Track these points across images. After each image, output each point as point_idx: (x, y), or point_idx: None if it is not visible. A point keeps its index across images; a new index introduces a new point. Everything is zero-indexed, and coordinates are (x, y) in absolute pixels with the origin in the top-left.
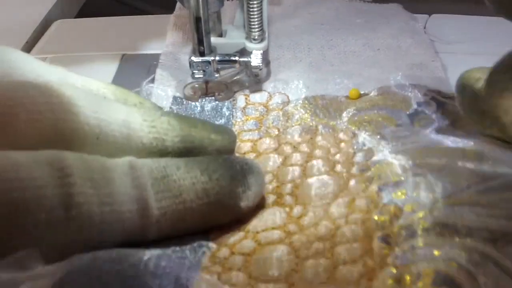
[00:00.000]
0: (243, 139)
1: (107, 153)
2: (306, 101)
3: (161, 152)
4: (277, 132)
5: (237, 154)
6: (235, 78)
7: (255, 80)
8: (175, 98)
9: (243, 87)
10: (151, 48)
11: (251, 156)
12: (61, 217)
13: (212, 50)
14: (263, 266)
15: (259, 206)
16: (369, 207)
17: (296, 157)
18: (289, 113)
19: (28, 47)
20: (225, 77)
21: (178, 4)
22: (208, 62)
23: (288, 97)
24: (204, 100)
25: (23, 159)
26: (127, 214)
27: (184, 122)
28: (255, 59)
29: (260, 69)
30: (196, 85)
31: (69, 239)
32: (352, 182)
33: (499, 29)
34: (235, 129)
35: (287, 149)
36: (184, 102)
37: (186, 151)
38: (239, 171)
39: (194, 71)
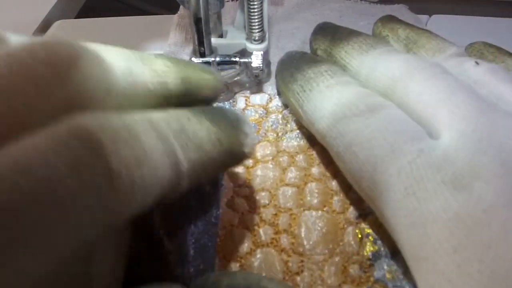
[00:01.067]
0: None
1: (116, 106)
2: None
3: (166, 96)
4: (275, 136)
5: None
6: (235, 79)
7: (256, 81)
8: None
9: (243, 88)
10: (152, 49)
11: (249, 163)
12: (105, 193)
13: (212, 51)
14: None
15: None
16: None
17: (293, 173)
18: (288, 116)
19: None
20: (226, 78)
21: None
22: (209, 63)
23: None
24: None
25: (46, 144)
26: (162, 171)
27: (177, 63)
28: (256, 60)
29: (261, 70)
30: None
31: (116, 211)
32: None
33: (499, 29)
34: (235, 90)
35: (284, 160)
36: None
37: (186, 92)
38: (236, 121)
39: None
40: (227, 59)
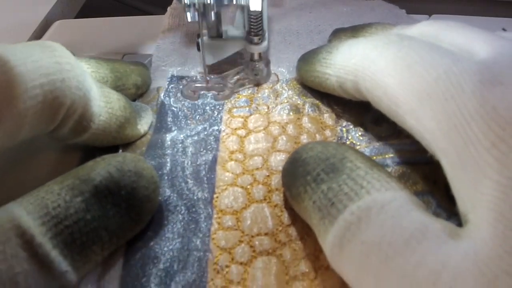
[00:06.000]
0: (234, 115)
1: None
2: (295, 81)
3: (100, 81)
4: (266, 109)
5: (229, 129)
6: (235, 77)
7: (255, 80)
8: (172, 77)
9: (243, 86)
10: (152, 49)
11: (243, 132)
12: None
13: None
14: None
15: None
16: None
17: (284, 141)
18: (278, 91)
19: None
20: (225, 77)
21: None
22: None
23: (277, 76)
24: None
25: None
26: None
27: (106, 60)
28: (254, 2)
29: (260, 15)
30: (196, 85)
31: None
32: None
33: (499, 29)
34: (228, 106)
35: (275, 129)
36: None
37: (117, 78)
38: (140, 106)
39: (187, 13)
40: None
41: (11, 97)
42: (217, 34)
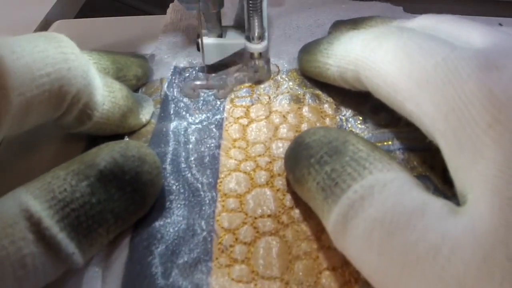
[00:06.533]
0: (236, 104)
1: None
2: (295, 72)
3: (102, 73)
4: (268, 99)
5: (231, 118)
6: (234, 75)
7: (255, 78)
8: (175, 68)
9: (242, 84)
10: (152, 48)
11: (245, 121)
12: None
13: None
14: None
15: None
16: None
17: (285, 129)
18: (278, 82)
19: None
20: (225, 75)
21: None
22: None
23: (278, 67)
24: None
25: None
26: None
27: (107, 52)
28: None
29: (261, 67)
30: (196, 83)
31: None
32: None
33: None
34: (230, 96)
35: (277, 118)
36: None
37: (118, 70)
38: (141, 97)
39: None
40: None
41: (18, 86)
42: (217, 34)
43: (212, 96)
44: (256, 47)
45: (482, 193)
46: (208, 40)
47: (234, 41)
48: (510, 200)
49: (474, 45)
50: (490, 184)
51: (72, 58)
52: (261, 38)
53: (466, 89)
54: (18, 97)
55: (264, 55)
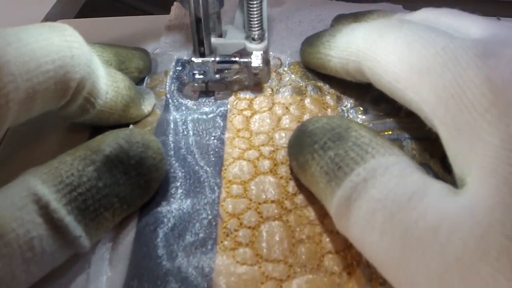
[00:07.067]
0: (240, 97)
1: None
2: (297, 65)
3: (106, 65)
4: (270, 92)
5: (235, 110)
6: (235, 77)
7: (255, 79)
8: (177, 60)
9: (242, 86)
10: (152, 49)
11: (248, 113)
12: None
13: (212, 51)
14: None
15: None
16: None
17: (288, 120)
18: (281, 75)
19: None
20: (225, 76)
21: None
22: (209, 62)
23: (280, 60)
24: (204, 98)
25: None
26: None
27: (109, 45)
28: (256, 60)
29: (261, 70)
30: (196, 85)
31: None
32: None
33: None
34: (234, 88)
35: (279, 109)
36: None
37: (120, 62)
38: (143, 89)
39: (194, 72)
40: (227, 59)
41: (24, 72)
42: (217, 34)
43: (213, 100)
44: (256, 47)
45: (479, 174)
46: None
47: (234, 40)
48: (506, 179)
49: (473, 36)
50: (487, 164)
51: (76, 46)
52: (261, 38)
53: (464, 76)
54: (25, 83)
55: (264, 56)
